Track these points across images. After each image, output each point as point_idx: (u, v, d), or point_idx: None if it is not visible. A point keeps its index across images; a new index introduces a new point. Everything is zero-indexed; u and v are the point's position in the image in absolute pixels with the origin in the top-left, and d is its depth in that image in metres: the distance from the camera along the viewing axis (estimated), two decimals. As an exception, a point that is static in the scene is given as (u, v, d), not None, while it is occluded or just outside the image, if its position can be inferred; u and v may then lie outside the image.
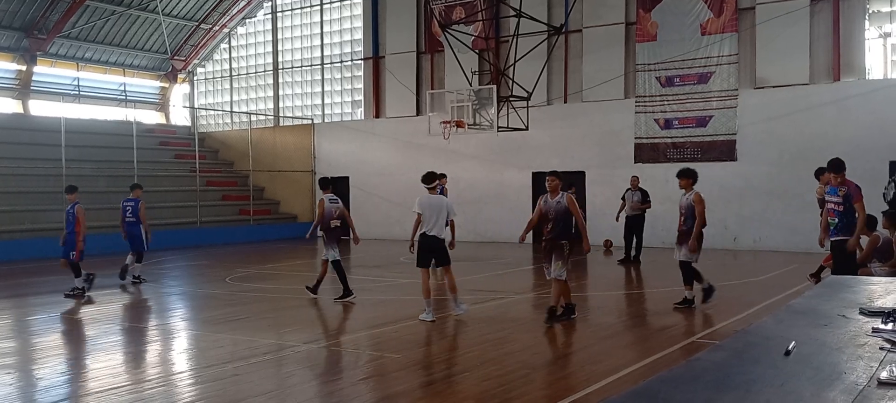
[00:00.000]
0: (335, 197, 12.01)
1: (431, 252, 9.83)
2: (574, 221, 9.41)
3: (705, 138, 19.96)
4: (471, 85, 20.39)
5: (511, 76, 19.98)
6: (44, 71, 27.74)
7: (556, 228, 9.35)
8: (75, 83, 28.82)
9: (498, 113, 19.27)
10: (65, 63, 28.24)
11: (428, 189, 9.85)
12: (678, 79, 20.28)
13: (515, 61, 19.78)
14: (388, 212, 24.90)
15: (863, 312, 3.81)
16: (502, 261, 17.89)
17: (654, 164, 20.30)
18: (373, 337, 9.21)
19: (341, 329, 9.69)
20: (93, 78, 29.41)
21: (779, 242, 18.81)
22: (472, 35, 22.85)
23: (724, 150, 19.71)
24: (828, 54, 18.77)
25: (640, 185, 17.00)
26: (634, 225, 16.78)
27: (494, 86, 19.52)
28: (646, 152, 20.73)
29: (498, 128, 19.38)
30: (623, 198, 17.02)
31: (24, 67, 26.99)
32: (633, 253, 16.72)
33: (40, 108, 27.72)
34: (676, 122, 20.34)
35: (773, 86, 19.22)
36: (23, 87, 27.24)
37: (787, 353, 2.92)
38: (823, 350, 3.08)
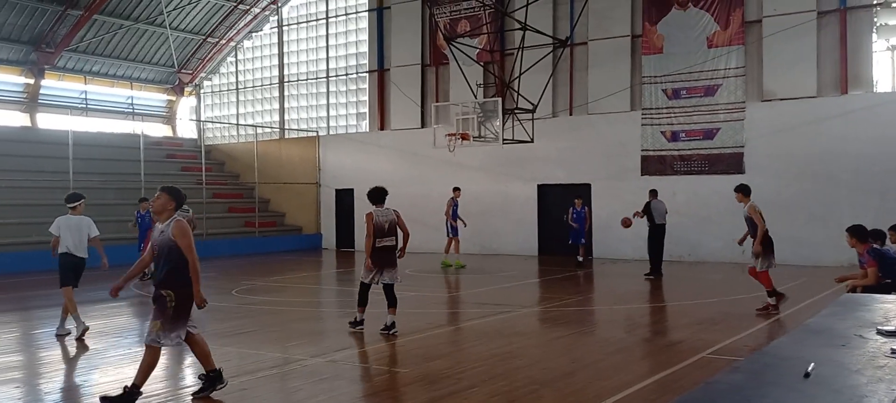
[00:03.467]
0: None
1: (74, 271, 10.16)
2: (186, 261, 6.62)
3: (713, 151, 19.91)
4: (476, 97, 20.39)
5: (516, 88, 19.98)
6: (52, 84, 27.87)
7: (159, 270, 6.66)
8: (83, 96, 28.94)
9: (503, 125, 19.27)
10: (72, 76, 28.37)
11: (70, 209, 10.35)
12: (685, 92, 20.26)
13: (520, 74, 19.78)
14: (393, 225, 24.87)
15: (880, 332, 3.76)
16: (507, 274, 17.84)
17: (661, 177, 20.24)
18: (379, 352, 9.17)
19: (348, 343, 9.65)
20: (100, 91, 29.53)
21: (786, 256, 18.56)
22: (477, 48, 22.89)
23: (732, 163, 19.65)
24: (835, 67, 18.74)
25: (657, 197, 17.01)
26: (660, 238, 16.68)
27: (499, 99, 19.52)
28: (653, 164, 20.68)
29: (503, 140, 19.38)
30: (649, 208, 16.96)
31: (32, 81, 27.11)
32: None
33: (48, 121, 27.81)
34: (683, 135, 20.30)
35: (781, 99, 19.18)
36: (31, 101, 27.35)
37: (807, 375, 2.88)
38: (843, 371, 3.04)
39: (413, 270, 18.91)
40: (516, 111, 19.89)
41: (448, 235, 19.37)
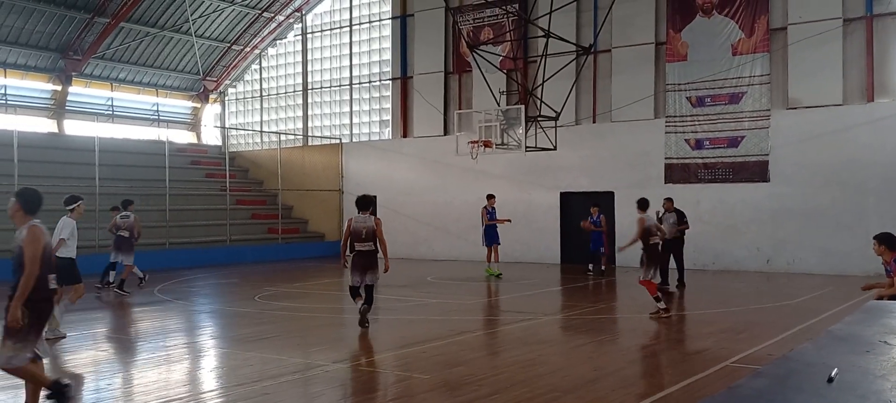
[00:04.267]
0: (127, 213, 15.95)
1: (58, 272, 10.21)
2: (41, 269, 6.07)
3: (737, 159, 19.72)
4: (499, 105, 20.39)
5: (539, 96, 19.94)
6: (79, 91, 28.26)
7: (15, 278, 6.00)
8: (109, 103, 29.33)
9: (526, 132, 19.23)
10: (99, 83, 28.76)
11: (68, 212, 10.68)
12: (709, 100, 20.11)
13: (544, 81, 19.73)
14: (415, 232, 24.93)
15: (906, 338, 3.71)
16: (530, 282, 17.79)
17: (686, 185, 20.08)
18: (400, 358, 9.18)
19: (369, 349, 9.68)
20: (126, 98, 29.90)
21: (813, 264, 18.49)
22: (501, 55, 22.89)
23: (757, 171, 19.46)
24: (861, 75, 18.50)
25: (675, 206, 16.59)
26: (673, 249, 16.27)
27: (522, 106, 19.48)
28: (677, 172, 20.53)
29: (526, 147, 19.34)
30: (660, 220, 16.65)
31: (59, 88, 27.53)
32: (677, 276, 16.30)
33: (75, 128, 28.22)
34: (708, 143, 20.14)
35: (806, 107, 18.96)
36: (58, 107, 27.77)
37: (830, 380, 2.85)
38: (867, 377, 3.00)
39: (435, 277, 18.93)
40: (539, 118, 19.84)
41: (484, 244, 19.10)
